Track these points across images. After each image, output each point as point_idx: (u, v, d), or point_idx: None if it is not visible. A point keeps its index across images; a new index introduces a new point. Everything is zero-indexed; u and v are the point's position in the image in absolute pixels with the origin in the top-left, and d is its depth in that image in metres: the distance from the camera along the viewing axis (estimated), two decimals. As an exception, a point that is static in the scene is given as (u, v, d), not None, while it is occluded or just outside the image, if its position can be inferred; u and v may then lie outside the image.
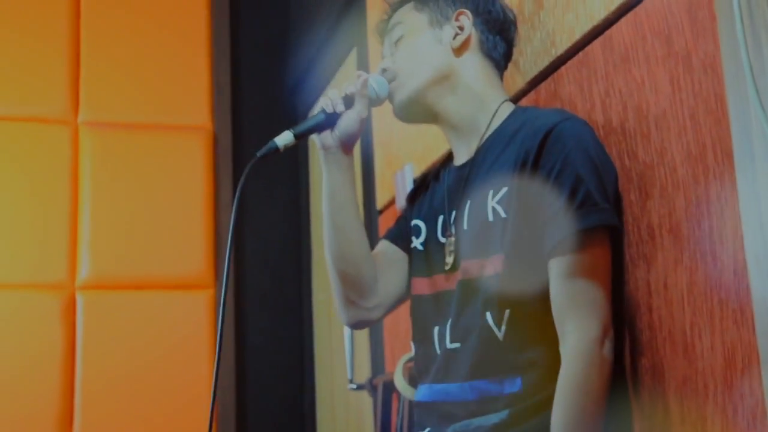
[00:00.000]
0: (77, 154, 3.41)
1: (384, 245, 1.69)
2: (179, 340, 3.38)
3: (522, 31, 1.76)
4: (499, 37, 1.59)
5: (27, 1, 3.46)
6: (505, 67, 1.63)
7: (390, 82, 1.59)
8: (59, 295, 3.29)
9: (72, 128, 3.43)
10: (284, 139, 1.54)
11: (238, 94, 3.72)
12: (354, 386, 2.65)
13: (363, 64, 2.90)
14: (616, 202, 1.42)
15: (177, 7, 3.63)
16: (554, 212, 1.34)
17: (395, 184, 2.42)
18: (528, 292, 1.38)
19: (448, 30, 1.57)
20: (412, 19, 1.60)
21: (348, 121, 1.57)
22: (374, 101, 1.60)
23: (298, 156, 3.78)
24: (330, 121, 1.57)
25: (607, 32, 1.51)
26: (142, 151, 3.48)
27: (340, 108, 1.57)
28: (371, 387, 2.53)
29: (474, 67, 1.56)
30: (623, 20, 1.46)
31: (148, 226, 3.42)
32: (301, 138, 1.57)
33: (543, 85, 1.71)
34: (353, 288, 1.64)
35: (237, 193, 1.52)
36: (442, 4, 1.58)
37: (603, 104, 1.51)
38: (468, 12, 1.57)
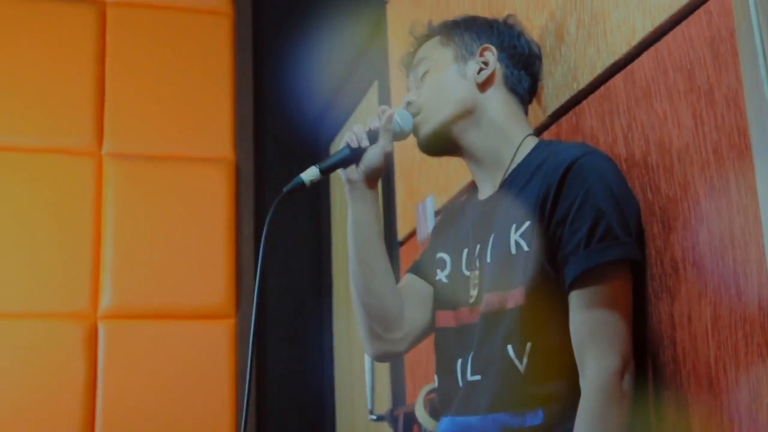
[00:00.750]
0: (101, 185, 3.44)
1: (409, 278, 1.70)
2: (200, 370, 3.39)
3: (544, 65, 1.77)
4: (524, 72, 1.61)
5: (53, 36, 3.51)
6: (530, 101, 1.65)
7: (414, 116, 1.60)
8: (81, 324, 3.31)
9: (96, 160, 3.46)
10: (310, 174, 1.56)
11: (260, 126, 3.75)
12: (374, 417, 2.64)
13: (384, 97, 2.92)
14: (639, 235, 1.42)
15: (200, 41, 3.68)
16: (575, 246, 1.35)
17: (417, 216, 2.43)
18: (549, 325, 1.38)
19: (473, 65, 1.58)
20: (437, 54, 1.61)
21: (373, 156, 1.59)
22: (399, 135, 1.61)
23: (319, 186, 3.79)
24: (355, 155, 1.59)
25: (629, 67, 1.52)
26: (164, 183, 3.51)
27: (365, 143, 1.59)
28: (392, 418, 2.52)
29: (498, 101, 1.58)
30: (645, 55, 1.47)
31: (170, 256, 3.45)
32: (327, 173, 1.59)
33: (564, 119, 1.72)
34: (379, 321, 1.65)
35: (264, 229, 1.54)
36: (468, 39, 1.60)
37: (625, 138, 1.52)
38: (493, 47, 1.59)
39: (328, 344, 3.68)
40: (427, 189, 2.38)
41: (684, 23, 1.38)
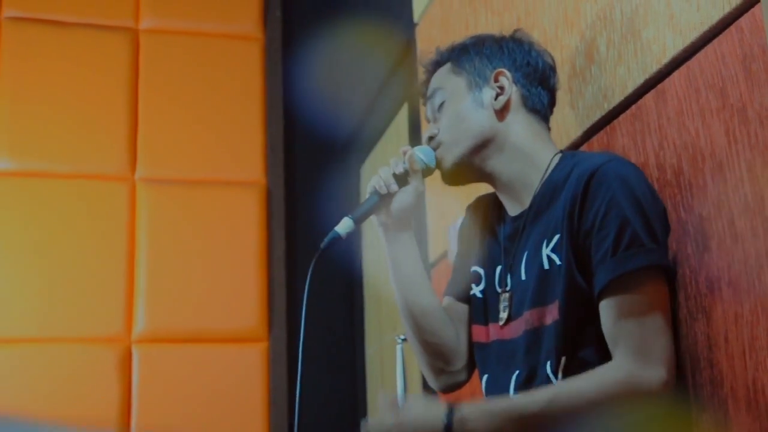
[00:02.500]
0: (134, 209, 3.47)
1: (448, 302, 1.69)
2: (233, 393, 3.39)
3: (574, 85, 1.77)
4: (541, 88, 1.58)
5: (87, 63, 3.56)
6: (551, 113, 1.62)
7: (435, 149, 1.59)
8: (116, 348, 3.33)
9: (129, 185, 3.50)
10: (345, 226, 1.57)
11: (290, 149, 3.77)
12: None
13: (414, 119, 2.92)
14: (665, 235, 1.40)
15: (231, 66, 3.71)
16: (602, 255, 1.34)
17: (448, 238, 2.42)
18: (583, 338, 1.37)
19: (488, 92, 1.56)
20: (450, 84, 1.59)
21: (404, 197, 1.60)
22: (426, 172, 1.61)
23: (350, 199, 3.80)
24: (385, 201, 1.59)
25: (660, 85, 1.51)
26: (196, 207, 3.53)
27: (394, 188, 1.59)
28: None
29: (519, 125, 1.55)
30: (676, 73, 1.46)
31: (203, 280, 3.46)
32: (360, 222, 1.59)
33: (596, 138, 1.71)
34: (439, 356, 1.65)
35: (306, 284, 1.55)
36: (479, 65, 1.58)
37: (657, 157, 1.51)
38: (506, 71, 1.56)
39: (360, 368, 3.67)
40: (458, 211, 2.38)
41: (715, 41, 1.37)
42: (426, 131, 1.63)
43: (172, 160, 3.55)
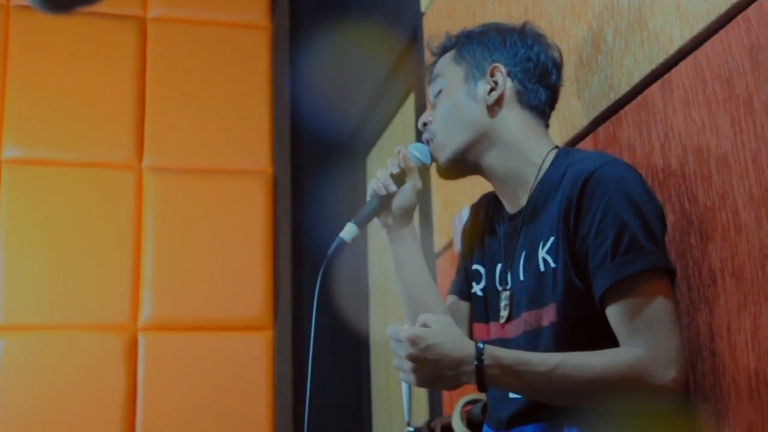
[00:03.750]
0: (141, 198, 3.48)
1: (452, 300, 1.69)
2: (238, 381, 3.41)
3: (580, 75, 1.76)
4: (539, 84, 1.56)
5: (94, 51, 3.57)
6: (551, 110, 1.61)
7: (428, 141, 1.60)
8: (122, 336, 3.34)
9: (136, 173, 3.51)
10: (349, 232, 1.58)
11: (297, 138, 3.77)
12: (411, 429, 2.62)
13: (421, 109, 2.92)
14: (662, 234, 1.39)
15: (238, 55, 3.72)
16: (601, 259, 1.33)
17: (453, 228, 2.43)
18: (581, 340, 1.37)
19: (483, 85, 1.55)
20: (450, 72, 1.60)
21: (404, 196, 1.62)
22: (423, 170, 1.63)
23: (356, 189, 3.81)
24: (385, 202, 1.61)
25: (666, 76, 1.50)
26: (203, 195, 3.54)
27: (393, 188, 1.61)
28: (429, 430, 2.52)
29: (513, 121, 1.54)
30: (683, 64, 1.46)
31: (209, 268, 3.47)
32: (364, 226, 1.61)
33: (601, 129, 1.71)
34: None
35: (316, 292, 1.56)
36: (479, 57, 1.57)
37: (662, 147, 1.51)
38: (501, 66, 1.55)
39: (365, 356, 3.68)
40: (463, 200, 2.38)
41: (722, 31, 1.37)
42: (422, 117, 1.64)
43: (178, 148, 3.56)
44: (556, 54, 1.60)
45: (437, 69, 1.63)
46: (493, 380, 1.32)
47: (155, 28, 3.65)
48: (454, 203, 2.47)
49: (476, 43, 1.59)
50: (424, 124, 1.62)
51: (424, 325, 1.34)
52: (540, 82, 1.56)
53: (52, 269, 3.34)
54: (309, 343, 3.76)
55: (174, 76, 3.62)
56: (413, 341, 1.31)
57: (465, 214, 2.32)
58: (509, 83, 1.55)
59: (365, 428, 3.63)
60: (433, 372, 1.32)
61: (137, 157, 3.52)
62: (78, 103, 3.50)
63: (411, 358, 1.32)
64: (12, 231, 3.35)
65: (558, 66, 1.60)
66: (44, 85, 3.49)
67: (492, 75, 1.55)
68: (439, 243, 2.64)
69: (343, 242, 1.57)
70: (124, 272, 3.39)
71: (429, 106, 1.65)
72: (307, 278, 3.69)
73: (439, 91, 1.60)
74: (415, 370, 1.33)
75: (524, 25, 1.62)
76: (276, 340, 3.50)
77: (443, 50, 1.64)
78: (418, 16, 2.87)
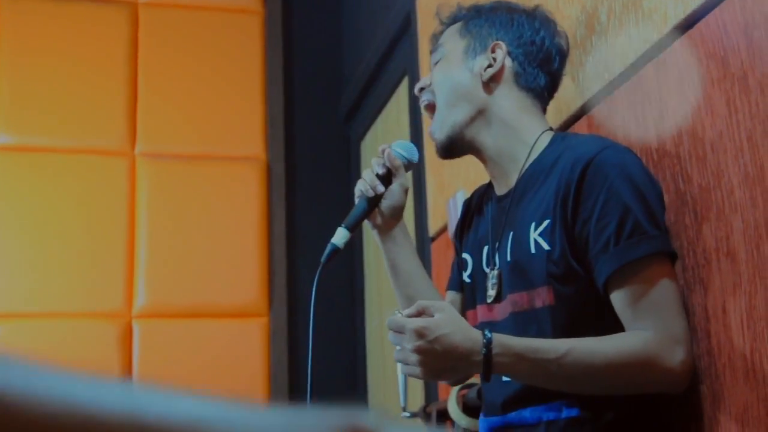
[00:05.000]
0: (134, 184, 3.47)
1: (451, 296, 1.69)
2: (233, 368, 3.40)
3: (574, 55, 1.75)
4: (539, 69, 1.55)
5: (85, 37, 3.55)
6: (551, 97, 1.60)
7: (428, 108, 1.59)
8: (116, 323, 3.34)
9: (129, 160, 3.49)
10: (341, 237, 1.56)
11: (291, 124, 3.76)
12: (407, 414, 2.63)
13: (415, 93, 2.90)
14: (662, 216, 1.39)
15: (231, 40, 3.70)
16: (604, 244, 1.32)
17: (448, 211, 2.42)
18: (580, 323, 1.36)
19: (481, 60, 1.55)
20: (453, 43, 1.59)
21: (393, 196, 1.60)
22: (409, 167, 1.62)
23: (350, 174, 3.80)
24: (374, 204, 1.59)
25: (661, 55, 1.49)
26: (196, 182, 3.53)
27: (380, 189, 1.59)
28: (425, 415, 2.51)
29: (508, 99, 1.54)
30: (677, 43, 1.45)
31: (203, 255, 3.47)
32: (355, 229, 1.59)
33: (596, 109, 1.70)
34: None
35: (312, 300, 1.54)
36: (484, 33, 1.57)
37: (657, 127, 1.50)
38: (503, 44, 1.54)
39: (361, 342, 3.68)
40: (457, 184, 2.37)
41: (717, 9, 1.35)
42: (419, 83, 1.63)
43: (171, 135, 3.55)
44: (563, 42, 1.59)
45: (442, 38, 1.63)
46: (501, 369, 1.30)
47: (147, 13, 3.63)
48: (449, 187, 2.46)
49: (484, 19, 1.59)
50: (421, 89, 1.61)
51: (424, 313, 1.31)
52: (541, 66, 1.56)
53: (46, 256, 3.33)
54: (304, 330, 3.76)
55: (166, 62, 3.60)
56: (420, 333, 1.28)
57: (459, 198, 2.31)
58: (508, 62, 1.54)
59: (361, 414, 3.63)
60: (443, 363, 1.29)
61: (130, 143, 3.51)
62: (70, 89, 3.48)
63: (419, 350, 1.28)
64: (4, 218, 3.33)
65: (563, 54, 1.59)
66: (35, 70, 3.47)
67: (493, 51, 1.55)
68: (433, 227, 2.63)
69: (335, 248, 1.56)
70: (118, 259, 3.38)
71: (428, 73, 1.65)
72: (302, 265, 3.68)
73: (438, 60, 1.60)
74: (423, 363, 1.29)
75: (536, 8, 1.61)
76: (271, 327, 3.50)
77: (452, 21, 1.64)
78: (412, 0, 2.86)
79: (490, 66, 1.54)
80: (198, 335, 3.41)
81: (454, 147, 1.58)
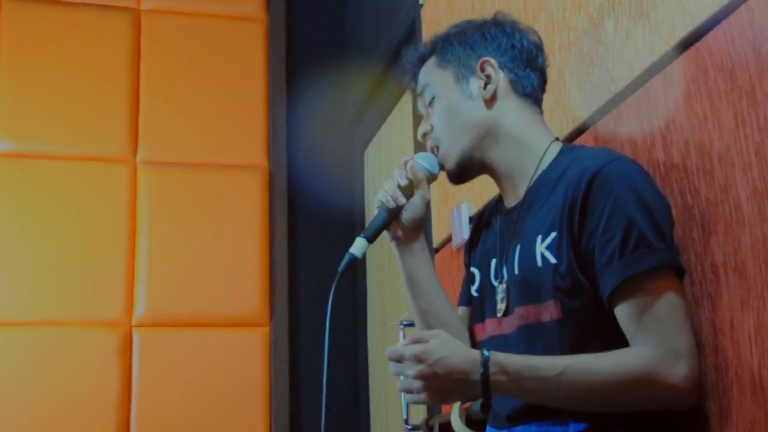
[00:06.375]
0: (135, 192, 3.46)
1: (463, 311, 1.67)
2: (234, 378, 3.39)
3: (581, 67, 1.74)
4: (529, 69, 1.55)
5: (88, 44, 3.55)
6: (543, 93, 1.59)
7: (434, 149, 1.57)
8: (116, 332, 3.32)
9: (131, 167, 3.48)
10: (359, 247, 1.54)
11: (293, 132, 3.75)
12: (409, 427, 2.62)
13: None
14: (670, 231, 1.38)
15: (234, 48, 3.69)
16: (609, 257, 1.31)
17: (452, 222, 2.41)
18: (587, 337, 1.35)
19: (476, 82, 1.53)
20: (438, 78, 1.57)
21: (413, 208, 1.58)
22: (431, 179, 1.60)
23: (353, 184, 3.79)
24: (394, 215, 1.57)
25: (668, 68, 1.48)
26: (198, 190, 3.52)
27: (402, 200, 1.57)
28: (427, 428, 2.50)
29: (511, 112, 1.53)
30: (684, 55, 1.44)
31: (204, 263, 3.45)
32: (374, 240, 1.57)
33: (602, 122, 1.69)
34: None
35: (328, 310, 1.52)
36: (464, 56, 1.55)
37: (664, 140, 1.49)
38: (491, 59, 1.53)
39: (363, 353, 3.66)
40: (462, 195, 2.36)
41: (725, 22, 1.35)
42: (419, 128, 1.61)
43: (173, 142, 3.54)
44: (535, 37, 1.59)
45: (423, 80, 1.60)
46: (500, 387, 1.30)
47: (149, 19, 3.62)
48: (453, 197, 2.45)
49: (457, 44, 1.57)
50: (424, 135, 1.59)
51: (419, 341, 1.31)
52: (529, 66, 1.55)
53: (45, 264, 3.32)
54: (305, 340, 3.75)
55: (169, 69, 3.59)
56: (419, 358, 1.29)
57: (464, 209, 2.30)
58: (501, 74, 1.53)
59: (363, 427, 3.62)
60: (446, 386, 1.30)
61: (131, 151, 3.50)
62: (71, 96, 3.47)
63: (421, 375, 1.29)
64: (5, 225, 3.32)
65: (540, 48, 1.58)
66: (37, 77, 3.46)
67: (483, 70, 1.53)
68: (437, 238, 2.62)
69: (354, 258, 1.54)
70: (119, 268, 3.37)
71: (424, 118, 1.62)
72: (303, 274, 3.67)
73: (432, 99, 1.57)
74: (427, 388, 1.30)
75: (496, 15, 1.60)
76: (272, 337, 3.48)
77: (421, 60, 1.62)
78: (417, 8, 2.85)
79: (487, 84, 1.53)
80: (198, 344, 3.39)
81: (466, 171, 1.56)
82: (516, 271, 1.46)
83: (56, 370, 3.24)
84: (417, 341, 1.32)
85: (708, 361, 1.35)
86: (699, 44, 1.41)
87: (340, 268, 1.53)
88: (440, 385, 1.30)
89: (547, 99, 1.64)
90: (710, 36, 1.38)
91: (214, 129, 3.59)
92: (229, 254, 3.49)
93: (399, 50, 3.15)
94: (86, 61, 3.52)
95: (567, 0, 1.82)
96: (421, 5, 2.79)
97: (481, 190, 2.20)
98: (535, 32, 1.60)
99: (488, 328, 1.52)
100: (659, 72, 1.51)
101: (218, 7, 3.71)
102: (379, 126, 3.58)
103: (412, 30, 2.96)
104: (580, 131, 1.77)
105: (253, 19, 3.74)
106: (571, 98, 1.79)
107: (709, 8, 1.37)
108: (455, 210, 2.37)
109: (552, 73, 1.86)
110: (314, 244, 3.71)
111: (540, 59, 1.57)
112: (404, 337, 2.54)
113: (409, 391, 1.33)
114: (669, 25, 1.47)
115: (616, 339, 1.32)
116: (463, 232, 2.27)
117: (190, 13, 3.67)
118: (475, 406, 1.94)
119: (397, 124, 3.37)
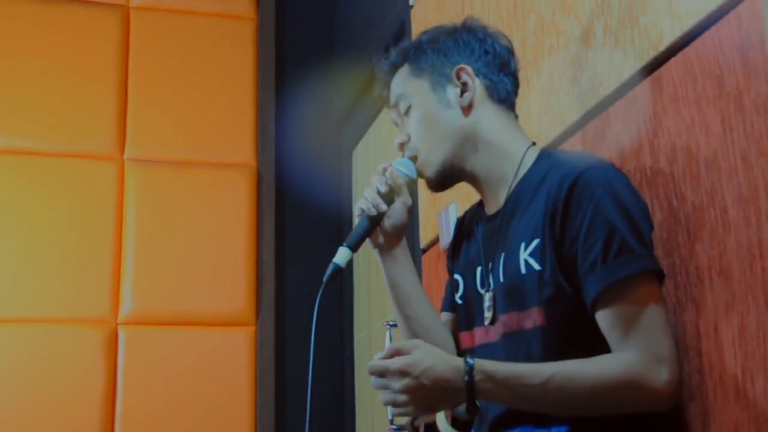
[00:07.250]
0: (122, 190, 3.45)
1: (447, 317, 1.67)
2: (219, 377, 3.38)
3: (569, 71, 1.75)
4: (503, 74, 1.55)
5: (76, 40, 3.53)
6: (516, 97, 1.58)
7: (413, 159, 1.57)
8: (101, 330, 3.31)
9: (118, 165, 3.47)
10: (343, 256, 1.53)
11: (282, 131, 3.75)
12: (395, 428, 2.62)
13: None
14: (651, 231, 1.38)
15: (223, 46, 3.69)
16: (591, 263, 1.32)
17: (439, 223, 2.41)
18: (570, 343, 1.36)
19: (452, 90, 1.53)
20: (413, 87, 1.56)
21: (395, 215, 1.57)
22: (411, 185, 1.59)
23: (341, 183, 3.78)
24: (376, 222, 1.57)
25: (656, 72, 1.49)
26: (186, 188, 3.51)
27: (383, 207, 1.56)
28: (412, 429, 2.50)
29: (489, 119, 1.53)
30: (673, 60, 1.45)
31: (191, 262, 3.45)
32: (357, 248, 1.56)
33: (590, 126, 1.70)
34: None
35: (314, 321, 1.52)
36: (438, 64, 1.54)
37: (651, 145, 1.49)
38: (467, 66, 1.53)
39: (349, 353, 3.66)
40: (449, 196, 2.36)
41: (713, 28, 1.36)
42: (396, 138, 1.60)
43: (161, 140, 3.53)
44: (505, 41, 1.59)
45: (397, 89, 1.60)
46: (485, 395, 1.30)
47: (138, 17, 3.61)
48: (440, 199, 2.45)
49: (430, 51, 1.56)
50: (401, 144, 1.59)
51: (399, 354, 1.30)
52: (503, 71, 1.55)
53: (31, 261, 3.31)
54: (291, 339, 3.75)
55: (157, 67, 3.58)
56: (404, 372, 1.28)
57: (451, 210, 2.31)
58: (477, 81, 1.53)
59: (348, 427, 3.62)
60: (432, 396, 1.29)
61: (119, 148, 3.49)
62: (58, 92, 3.46)
63: (407, 389, 1.28)
64: (-9, 222, 3.31)
65: (512, 52, 1.58)
66: (25, 74, 3.45)
67: (458, 77, 1.53)
68: (424, 239, 2.62)
69: (338, 268, 1.54)
70: (105, 265, 3.36)
71: (399, 128, 1.61)
72: (290, 274, 3.67)
73: (407, 108, 1.56)
74: (413, 401, 1.29)
75: (465, 21, 1.60)
76: (258, 336, 3.48)
77: (393, 68, 1.61)
78: (407, 8, 2.85)
79: (464, 91, 1.53)
80: (184, 343, 3.38)
81: (446, 179, 1.56)
82: (501, 279, 1.46)
83: (41, 368, 3.22)
84: (397, 353, 1.31)
85: (692, 365, 1.36)
86: (687, 50, 1.42)
87: (325, 278, 1.53)
88: (427, 396, 1.29)
89: (536, 102, 1.65)
90: (698, 42, 1.39)
91: (202, 127, 3.58)
92: (216, 253, 3.48)
93: (388, 50, 3.16)
94: (74, 57, 3.51)
95: (557, 3, 1.83)
96: (411, 6, 2.79)
97: (468, 191, 2.19)
98: (505, 36, 1.60)
99: (477, 337, 1.52)
100: (647, 76, 1.52)
101: (208, 5, 3.70)
102: (368, 126, 3.58)
103: (402, 31, 2.96)
104: (568, 134, 1.77)
105: (242, 17, 3.73)
106: (560, 101, 1.79)
107: (697, 14, 1.38)
108: (443, 211, 2.38)
109: (541, 76, 1.87)
110: (302, 244, 3.71)
111: (512, 64, 1.57)
112: (390, 339, 2.54)
113: (395, 405, 1.31)
114: (657, 30, 1.48)
115: (596, 345, 1.32)
116: (451, 234, 2.28)
117: (180, 10, 3.66)
118: (461, 407, 1.95)
119: (386, 123, 3.38)
